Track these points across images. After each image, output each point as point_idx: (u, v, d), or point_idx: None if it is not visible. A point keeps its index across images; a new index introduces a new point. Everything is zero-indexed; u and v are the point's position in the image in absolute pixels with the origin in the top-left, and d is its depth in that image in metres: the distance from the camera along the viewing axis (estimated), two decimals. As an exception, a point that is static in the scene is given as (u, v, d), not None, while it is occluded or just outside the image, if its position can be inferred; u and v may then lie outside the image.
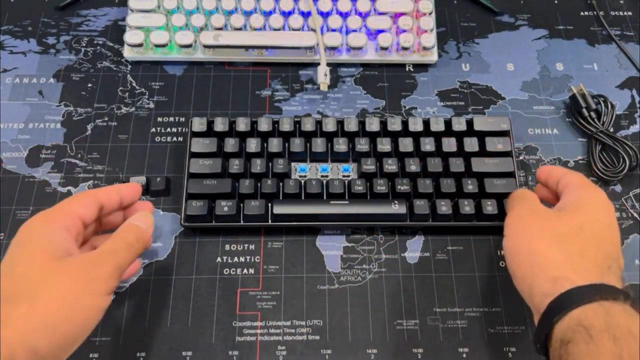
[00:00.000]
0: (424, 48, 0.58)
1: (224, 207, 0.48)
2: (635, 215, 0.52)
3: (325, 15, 0.58)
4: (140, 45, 0.57)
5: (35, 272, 0.32)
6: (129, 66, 0.59)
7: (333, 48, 0.57)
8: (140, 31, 0.57)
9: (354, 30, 0.58)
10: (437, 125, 0.52)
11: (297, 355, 0.45)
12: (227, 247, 0.50)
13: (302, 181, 0.50)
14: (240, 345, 0.45)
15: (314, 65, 0.59)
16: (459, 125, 0.52)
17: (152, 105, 0.56)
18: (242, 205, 0.48)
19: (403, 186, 0.49)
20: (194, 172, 0.49)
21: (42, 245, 0.34)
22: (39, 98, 0.56)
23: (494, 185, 0.49)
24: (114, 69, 0.59)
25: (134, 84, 0.58)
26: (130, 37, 0.56)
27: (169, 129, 0.55)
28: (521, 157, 0.55)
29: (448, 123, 0.52)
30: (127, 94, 0.57)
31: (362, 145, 0.51)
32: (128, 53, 0.58)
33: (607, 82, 0.59)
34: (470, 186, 0.49)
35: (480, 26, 0.63)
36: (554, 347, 0.33)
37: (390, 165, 0.50)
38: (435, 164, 0.50)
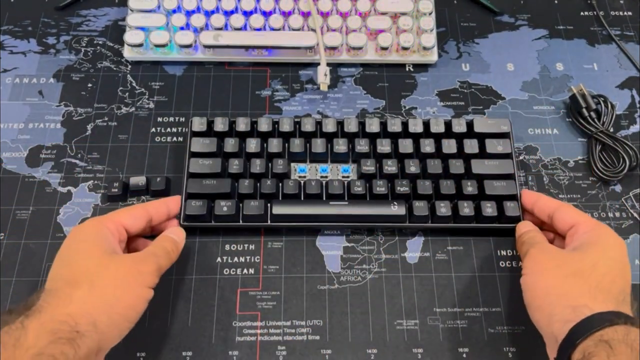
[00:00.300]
0: (424, 48, 0.58)
1: (223, 207, 0.48)
2: (635, 215, 0.52)
3: (325, 15, 0.58)
4: (140, 45, 0.57)
5: (92, 262, 0.38)
6: (129, 66, 0.59)
7: (333, 48, 0.57)
8: (140, 31, 0.57)
9: (354, 30, 0.58)
10: (437, 127, 0.52)
11: (297, 355, 0.45)
12: (227, 247, 0.50)
13: (302, 182, 0.50)
14: (240, 345, 0.45)
15: (314, 65, 0.59)
16: (459, 126, 0.52)
17: (152, 105, 0.56)
18: (241, 205, 0.48)
19: (402, 187, 0.49)
20: (193, 172, 0.49)
21: (96, 242, 0.40)
22: (39, 98, 0.56)
23: (494, 187, 0.49)
24: (114, 69, 0.59)
25: (134, 84, 0.58)
26: (130, 37, 0.56)
27: (169, 129, 0.55)
28: (521, 157, 0.55)
29: (448, 124, 0.52)
30: (127, 94, 0.57)
31: (362, 146, 0.51)
32: (128, 53, 0.58)
33: (607, 82, 0.59)
34: (469, 188, 0.49)
35: (480, 26, 0.63)
36: None
37: (390, 167, 0.50)
38: (435, 166, 0.50)
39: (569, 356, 0.35)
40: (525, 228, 0.47)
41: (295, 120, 0.52)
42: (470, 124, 0.52)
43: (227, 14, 0.58)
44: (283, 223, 0.49)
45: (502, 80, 0.59)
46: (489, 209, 0.48)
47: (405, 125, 0.52)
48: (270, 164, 0.51)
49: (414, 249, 0.50)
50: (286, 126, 0.52)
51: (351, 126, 0.52)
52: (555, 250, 0.42)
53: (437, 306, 0.47)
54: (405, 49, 0.58)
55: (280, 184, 0.50)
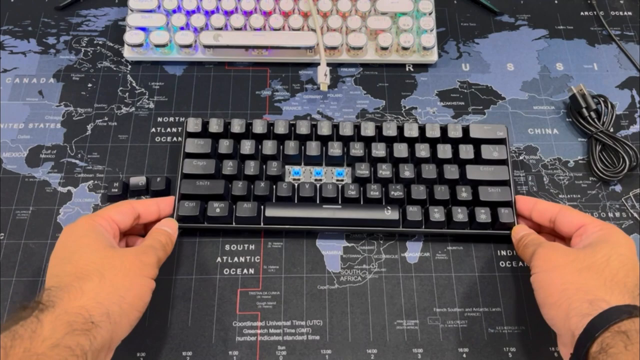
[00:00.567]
0: (424, 48, 0.58)
1: (216, 208, 0.47)
2: (635, 215, 0.52)
3: (325, 15, 0.58)
4: (140, 45, 0.57)
5: (97, 255, 0.39)
6: (129, 66, 0.59)
7: (333, 48, 0.57)
8: (140, 31, 0.57)
9: (354, 30, 0.58)
10: (433, 132, 0.52)
11: (297, 355, 0.45)
12: (227, 247, 0.50)
13: (296, 184, 0.50)
14: (240, 345, 0.45)
15: (314, 65, 0.59)
16: (455, 131, 0.52)
17: (152, 105, 0.56)
18: (234, 207, 0.48)
19: (396, 192, 0.49)
20: (187, 173, 0.49)
21: (95, 237, 0.41)
22: (39, 98, 0.56)
23: (489, 194, 0.49)
24: (114, 69, 0.59)
25: (134, 84, 0.58)
26: (130, 37, 0.56)
27: (169, 129, 0.55)
28: (521, 157, 0.55)
29: (444, 129, 0.52)
30: (127, 94, 0.57)
31: (357, 149, 0.51)
32: (128, 53, 0.58)
33: (607, 82, 0.59)
34: (464, 194, 0.49)
35: (480, 26, 0.63)
36: (591, 357, 0.35)
37: (385, 171, 0.50)
38: (429, 171, 0.50)
39: (587, 350, 0.35)
40: (523, 231, 0.47)
41: (290, 122, 0.52)
42: (466, 130, 0.52)
43: (227, 14, 0.58)
44: (276, 225, 0.49)
45: (502, 80, 0.59)
46: (483, 215, 0.48)
47: (400, 129, 0.52)
48: (264, 166, 0.51)
49: (414, 249, 0.50)
50: (281, 128, 0.52)
51: (346, 129, 0.52)
52: (565, 248, 0.42)
53: (437, 306, 0.47)
54: (405, 49, 0.58)
55: (274, 186, 0.50)
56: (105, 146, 0.54)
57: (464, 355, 0.46)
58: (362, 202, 0.50)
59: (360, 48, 0.57)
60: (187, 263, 0.49)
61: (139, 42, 0.56)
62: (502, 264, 0.50)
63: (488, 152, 0.51)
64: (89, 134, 0.55)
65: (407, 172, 0.50)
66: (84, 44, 0.60)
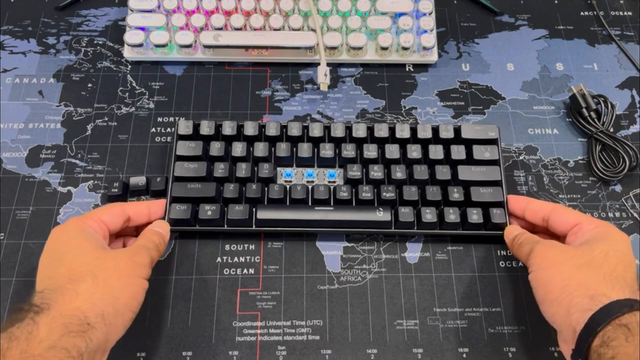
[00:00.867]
0: (424, 48, 0.58)
1: (208, 211, 0.47)
2: (635, 215, 0.52)
3: (325, 15, 0.58)
4: (140, 45, 0.57)
5: (90, 257, 0.39)
6: (129, 66, 0.59)
7: (333, 48, 0.57)
8: (140, 31, 0.57)
9: (354, 30, 0.58)
10: (424, 132, 0.52)
11: (297, 355, 0.45)
12: (227, 247, 0.50)
13: (287, 186, 0.50)
14: (240, 345, 0.45)
15: (314, 65, 0.59)
16: (446, 132, 0.52)
17: (152, 105, 0.56)
18: (226, 209, 0.48)
19: (388, 193, 0.49)
20: (178, 176, 0.49)
21: (86, 239, 0.41)
22: (39, 98, 0.56)
23: (480, 194, 0.49)
24: (114, 69, 0.59)
25: (134, 84, 0.58)
26: (130, 37, 0.56)
27: (169, 129, 0.55)
28: (521, 157, 0.55)
29: (435, 130, 0.52)
30: (127, 94, 0.57)
31: (349, 151, 0.51)
32: (128, 53, 0.58)
33: (607, 82, 0.59)
34: (456, 194, 0.49)
35: (480, 26, 0.63)
36: (593, 351, 0.35)
37: (376, 172, 0.50)
38: (421, 171, 0.50)
39: (589, 344, 0.35)
40: (517, 230, 0.47)
41: (282, 124, 0.52)
42: (457, 130, 0.52)
43: (227, 14, 0.58)
44: (267, 228, 0.49)
45: (502, 80, 0.59)
46: (475, 215, 0.48)
47: (392, 130, 0.52)
48: (256, 168, 0.51)
49: (414, 249, 0.50)
50: (272, 130, 0.52)
51: (338, 131, 0.52)
52: (562, 245, 0.43)
53: (437, 306, 0.47)
54: (405, 49, 0.58)
55: (266, 189, 0.50)
56: (105, 146, 0.54)
57: (464, 355, 0.46)
58: (354, 204, 0.50)
59: (360, 48, 0.57)
60: (187, 263, 0.49)
61: (139, 42, 0.56)
62: (502, 264, 0.50)
63: (480, 152, 0.51)
64: (89, 134, 0.55)
65: (399, 173, 0.50)
66: (84, 44, 0.60)
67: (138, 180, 0.51)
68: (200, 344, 0.45)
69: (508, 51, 0.61)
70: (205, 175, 0.49)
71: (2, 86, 0.57)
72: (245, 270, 0.49)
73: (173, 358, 0.45)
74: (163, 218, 0.48)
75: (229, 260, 0.49)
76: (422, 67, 0.60)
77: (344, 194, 0.49)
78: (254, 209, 0.49)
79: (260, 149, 0.51)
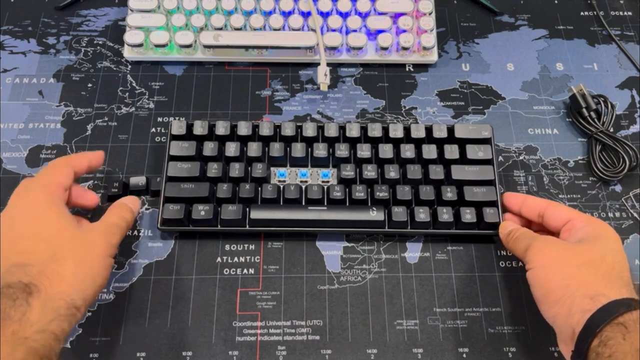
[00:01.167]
0: (424, 48, 0.58)
1: (201, 211, 0.47)
2: (635, 215, 0.52)
3: (325, 15, 0.58)
4: (140, 45, 0.57)
5: (67, 235, 0.39)
6: (129, 66, 0.59)
7: (333, 48, 0.57)
8: (140, 31, 0.57)
9: (354, 30, 0.58)
10: (418, 132, 0.52)
11: (297, 355, 0.45)
12: (227, 247, 0.50)
13: (281, 186, 0.50)
14: (240, 345, 0.45)
15: (314, 65, 0.59)
16: (440, 132, 0.52)
17: (152, 105, 0.56)
18: (219, 209, 0.48)
19: (382, 193, 0.49)
20: (172, 176, 0.49)
21: (58, 212, 0.40)
22: (39, 98, 0.56)
23: (474, 194, 0.49)
24: (114, 69, 0.59)
25: (134, 84, 0.58)
26: (130, 37, 0.56)
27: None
28: (521, 157, 0.55)
29: (429, 130, 0.52)
30: (127, 94, 0.57)
31: (342, 150, 0.51)
32: (128, 53, 0.58)
33: (607, 82, 0.59)
34: (449, 194, 0.49)
35: (480, 26, 0.63)
36: (591, 351, 0.35)
37: (370, 172, 0.50)
38: (414, 171, 0.50)
39: (589, 345, 0.35)
40: (511, 225, 0.47)
41: (275, 124, 0.52)
42: (451, 130, 0.52)
43: (227, 13, 0.58)
44: (261, 228, 0.49)
45: (502, 80, 0.59)
46: (468, 215, 0.48)
47: (385, 130, 0.52)
48: (249, 168, 0.50)
49: (414, 249, 0.50)
50: (266, 130, 0.52)
51: (331, 131, 0.52)
52: (561, 242, 0.43)
53: (437, 306, 0.47)
54: (405, 49, 0.58)
55: (259, 189, 0.50)
56: (105, 146, 0.54)
57: (464, 355, 0.46)
58: (347, 204, 0.50)
59: (360, 48, 0.57)
60: (187, 263, 0.49)
61: (139, 42, 0.56)
62: (502, 264, 0.50)
63: (473, 152, 0.51)
64: (89, 134, 0.55)
65: (392, 172, 0.50)
66: (84, 44, 0.60)
67: (138, 180, 0.51)
68: (200, 344, 0.45)
69: (508, 51, 0.61)
70: (198, 175, 0.49)
71: (2, 86, 0.57)
72: (245, 270, 0.49)
73: (173, 358, 0.45)
74: (156, 219, 0.48)
75: (229, 260, 0.49)
76: (422, 67, 0.60)
77: (337, 193, 0.49)
78: (247, 209, 0.49)
79: (253, 148, 0.51)
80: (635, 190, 0.53)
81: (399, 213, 0.48)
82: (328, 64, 0.57)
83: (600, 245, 0.41)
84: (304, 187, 0.50)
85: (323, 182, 0.51)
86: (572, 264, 0.40)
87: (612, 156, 0.53)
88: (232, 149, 0.51)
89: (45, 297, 0.35)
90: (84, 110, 0.56)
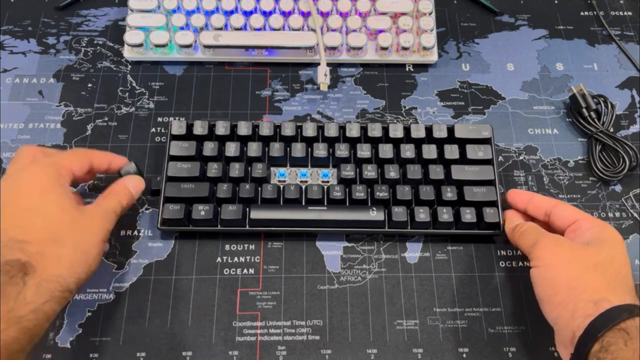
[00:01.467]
0: (424, 48, 0.58)
1: (201, 211, 0.47)
2: (635, 215, 0.52)
3: (325, 15, 0.58)
4: (140, 45, 0.57)
5: (68, 217, 0.38)
6: (129, 66, 0.59)
7: (333, 48, 0.57)
8: (140, 31, 0.57)
9: (354, 30, 0.58)
10: (418, 132, 0.52)
11: (297, 355, 0.45)
12: (227, 247, 0.50)
13: (281, 186, 0.50)
14: (240, 345, 0.45)
15: (314, 65, 0.59)
16: (440, 132, 0.52)
17: (152, 105, 0.56)
18: (219, 209, 0.48)
19: (382, 193, 0.49)
20: (172, 176, 0.49)
21: (62, 193, 0.39)
22: (39, 98, 0.56)
23: (474, 194, 0.49)
24: (114, 69, 0.59)
25: (134, 84, 0.58)
26: (130, 37, 0.56)
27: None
28: (521, 157, 0.55)
29: (429, 130, 0.52)
30: (127, 94, 0.57)
31: (342, 150, 0.51)
32: (128, 53, 0.58)
33: (607, 82, 0.59)
34: (449, 194, 0.49)
35: (480, 26, 0.63)
36: (592, 355, 0.35)
37: (370, 172, 0.50)
38: (414, 171, 0.50)
39: (589, 349, 0.35)
40: (518, 219, 0.47)
41: (275, 124, 0.52)
42: (451, 130, 0.52)
43: (227, 14, 0.58)
44: (261, 228, 0.49)
45: (502, 80, 0.59)
46: (468, 215, 0.48)
47: (385, 130, 0.52)
48: (249, 168, 0.50)
49: (414, 249, 0.50)
50: (266, 130, 0.51)
51: (331, 131, 0.52)
52: (570, 242, 0.42)
53: (437, 306, 0.47)
54: (405, 49, 0.58)
55: (259, 188, 0.49)
56: (106, 146, 0.54)
57: (464, 355, 0.46)
58: (347, 204, 0.50)
59: (360, 48, 0.57)
60: (187, 263, 0.49)
61: (139, 42, 0.56)
62: (502, 263, 0.50)
63: (473, 152, 0.51)
64: (89, 134, 0.55)
65: (392, 172, 0.50)
66: (84, 44, 0.60)
67: (129, 168, 0.50)
68: (200, 344, 0.45)
69: (508, 51, 0.61)
70: (198, 175, 0.49)
71: (2, 86, 0.57)
72: (245, 270, 0.49)
73: (173, 358, 0.45)
74: (157, 218, 0.48)
75: (229, 260, 0.49)
76: (422, 67, 0.60)
77: (337, 193, 0.49)
78: (247, 209, 0.48)
79: (253, 148, 0.51)
80: (635, 190, 0.53)
81: (399, 213, 0.48)
82: (328, 64, 0.57)
83: (607, 249, 0.40)
84: (304, 187, 0.50)
85: (323, 182, 0.51)
86: (579, 265, 0.39)
87: (612, 156, 0.53)
88: (232, 149, 0.51)
89: (41, 278, 0.35)
90: (84, 110, 0.56)
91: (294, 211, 0.48)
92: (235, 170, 0.50)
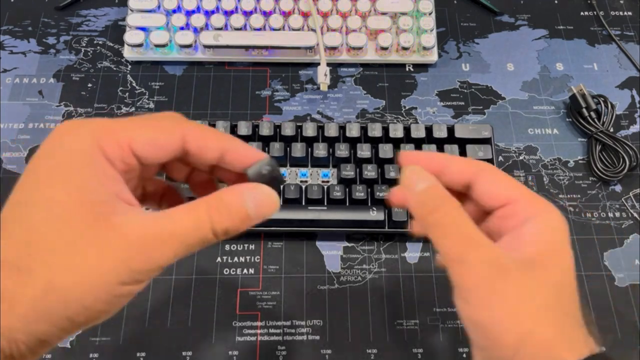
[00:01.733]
0: (424, 48, 0.58)
1: None
2: (635, 215, 0.52)
3: (325, 15, 0.58)
4: (140, 45, 0.57)
5: (70, 232, 0.22)
6: (129, 66, 0.59)
7: (333, 48, 0.57)
8: (140, 31, 0.57)
9: (354, 30, 0.58)
10: (418, 132, 0.52)
11: (297, 356, 0.45)
12: (227, 247, 0.50)
13: (281, 186, 0.50)
14: (240, 345, 0.45)
15: (314, 65, 0.59)
16: (440, 132, 0.52)
17: (152, 105, 0.56)
18: None
19: (382, 192, 0.49)
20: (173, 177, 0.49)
21: (87, 188, 0.23)
22: (39, 98, 0.56)
23: None
24: (114, 69, 0.59)
25: (134, 84, 0.58)
26: (130, 37, 0.56)
27: (169, 129, 0.55)
28: (521, 157, 0.55)
29: (429, 130, 0.52)
30: (127, 94, 0.57)
31: (342, 150, 0.51)
32: (128, 53, 0.58)
33: (607, 82, 0.59)
34: None
35: (480, 26, 0.63)
36: None
37: (370, 172, 0.50)
38: None
39: None
40: (427, 180, 0.29)
41: (275, 124, 0.52)
42: (451, 129, 0.52)
43: (227, 14, 0.58)
44: (261, 227, 0.49)
45: (502, 80, 0.59)
46: None
47: (385, 130, 0.52)
48: None
49: (414, 249, 0.50)
50: (266, 130, 0.51)
51: (331, 131, 0.52)
52: (503, 263, 0.27)
53: (437, 306, 0.47)
54: (405, 49, 0.58)
55: None
56: (105, 146, 0.54)
57: (464, 355, 0.46)
58: (347, 203, 0.50)
59: (360, 48, 0.57)
60: (187, 263, 0.49)
61: (139, 42, 0.56)
62: (502, 264, 0.49)
63: (473, 151, 0.51)
64: (89, 134, 0.55)
65: (392, 172, 0.50)
66: (84, 44, 0.60)
67: None
68: (200, 344, 0.45)
69: (508, 51, 0.61)
70: None
71: (2, 86, 0.57)
72: (245, 270, 0.49)
73: (173, 358, 0.45)
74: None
75: (229, 260, 0.49)
76: (422, 67, 0.60)
77: (337, 193, 0.49)
78: None
79: None
80: (635, 190, 0.53)
81: (399, 213, 0.48)
82: (328, 64, 0.57)
83: (553, 269, 0.28)
84: (304, 187, 0.50)
85: (323, 182, 0.51)
86: (527, 312, 0.26)
87: (612, 156, 0.53)
88: None
89: None
90: (84, 110, 0.56)
91: (294, 211, 0.48)
92: None
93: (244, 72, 0.59)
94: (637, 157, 0.52)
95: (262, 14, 0.58)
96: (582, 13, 0.65)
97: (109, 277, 0.22)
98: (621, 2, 0.65)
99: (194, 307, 0.47)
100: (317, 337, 0.46)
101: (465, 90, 0.59)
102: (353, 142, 0.52)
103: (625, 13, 0.65)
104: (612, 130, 0.55)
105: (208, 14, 0.57)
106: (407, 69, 0.60)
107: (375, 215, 0.48)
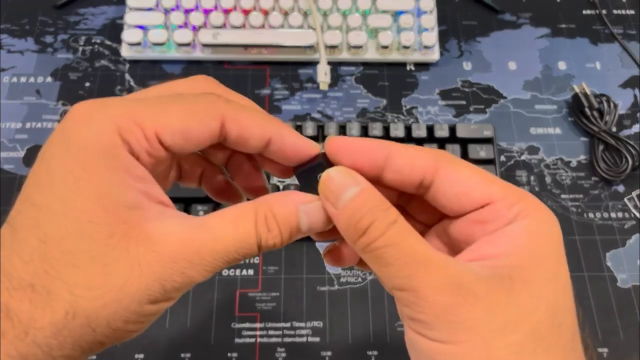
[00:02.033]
0: (425, 47, 0.57)
1: (200, 211, 0.47)
2: (638, 215, 0.51)
3: (325, 13, 0.57)
4: (138, 43, 0.56)
5: (93, 244, 0.19)
6: (127, 65, 0.58)
7: (333, 47, 0.57)
8: (139, 29, 0.56)
9: (354, 29, 0.57)
10: (419, 132, 0.51)
11: (297, 357, 0.45)
12: (226, 247, 0.49)
13: (281, 186, 0.49)
14: (240, 346, 0.45)
15: (314, 64, 0.58)
16: (441, 131, 0.51)
17: (150, 105, 0.56)
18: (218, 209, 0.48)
19: None
20: None
21: (105, 185, 0.20)
22: (36, 97, 0.56)
23: None
24: (112, 67, 0.58)
25: (132, 83, 0.57)
26: (128, 35, 0.56)
27: (167, 129, 0.55)
28: (523, 157, 0.54)
29: (430, 129, 0.52)
30: (125, 92, 0.57)
31: None
32: (126, 52, 0.58)
33: (609, 81, 0.59)
34: None
35: (481, 25, 0.63)
36: None
37: None
38: None
39: None
40: (356, 184, 0.22)
41: None
42: (452, 129, 0.52)
43: (226, 12, 0.57)
44: None
45: (504, 79, 0.59)
46: None
47: (386, 129, 0.52)
48: None
49: (414, 250, 0.49)
50: None
51: (331, 130, 0.51)
52: (477, 290, 0.20)
53: (438, 307, 0.47)
54: (406, 47, 0.57)
55: None
56: (103, 146, 0.53)
57: (466, 357, 0.45)
58: None
59: (360, 47, 0.57)
60: (186, 264, 0.48)
61: (137, 40, 0.56)
62: (504, 264, 0.49)
63: (475, 151, 0.51)
64: (86, 133, 0.54)
65: None
66: (82, 43, 0.59)
67: None
68: (199, 346, 0.45)
69: (510, 50, 0.61)
70: None
71: (0, 85, 0.56)
72: (244, 271, 0.48)
73: (171, 359, 0.44)
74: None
75: (228, 261, 0.49)
76: (423, 66, 0.59)
77: None
78: None
79: None
80: (637, 190, 0.53)
81: None
82: (328, 63, 0.56)
83: (546, 287, 0.21)
84: None
85: (323, 182, 0.51)
86: (507, 344, 0.20)
87: (614, 156, 0.53)
88: None
89: None
90: (81, 109, 0.55)
91: None
92: None
93: (243, 71, 0.59)
94: (639, 156, 0.52)
95: (261, 12, 0.57)
96: (584, 12, 0.64)
97: (140, 297, 0.20)
98: (623, 0, 0.65)
99: (193, 308, 0.46)
100: (317, 339, 0.46)
101: (467, 90, 0.58)
102: None
103: (628, 11, 0.64)
104: (614, 129, 0.54)
105: (207, 12, 0.57)
106: (408, 68, 0.59)
107: None
